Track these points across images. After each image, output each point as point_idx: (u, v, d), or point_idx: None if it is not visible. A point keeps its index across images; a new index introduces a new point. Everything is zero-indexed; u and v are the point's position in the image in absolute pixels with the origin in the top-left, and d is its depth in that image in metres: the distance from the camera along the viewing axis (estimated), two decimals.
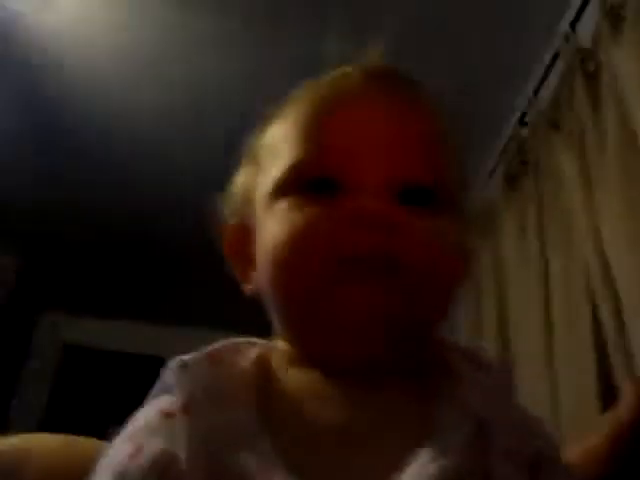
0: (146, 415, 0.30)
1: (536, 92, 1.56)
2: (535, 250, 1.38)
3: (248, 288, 0.38)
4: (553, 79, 1.45)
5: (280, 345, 0.36)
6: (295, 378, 0.32)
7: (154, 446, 0.28)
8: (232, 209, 0.41)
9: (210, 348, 0.33)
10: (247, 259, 0.37)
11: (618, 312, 1.02)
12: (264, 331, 0.38)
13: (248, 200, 0.39)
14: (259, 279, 0.35)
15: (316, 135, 0.33)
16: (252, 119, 0.42)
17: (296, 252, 0.31)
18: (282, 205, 0.33)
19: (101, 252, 3.07)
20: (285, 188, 0.33)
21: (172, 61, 1.73)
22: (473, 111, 1.84)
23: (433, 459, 0.27)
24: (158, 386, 0.32)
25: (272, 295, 0.34)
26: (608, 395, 1.01)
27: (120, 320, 3.73)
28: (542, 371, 1.23)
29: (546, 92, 1.49)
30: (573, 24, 1.34)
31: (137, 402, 0.33)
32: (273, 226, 0.33)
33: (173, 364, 0.31)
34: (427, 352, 0.34)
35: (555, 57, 1.44)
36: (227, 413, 0.29)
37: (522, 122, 1.66)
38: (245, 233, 0.38)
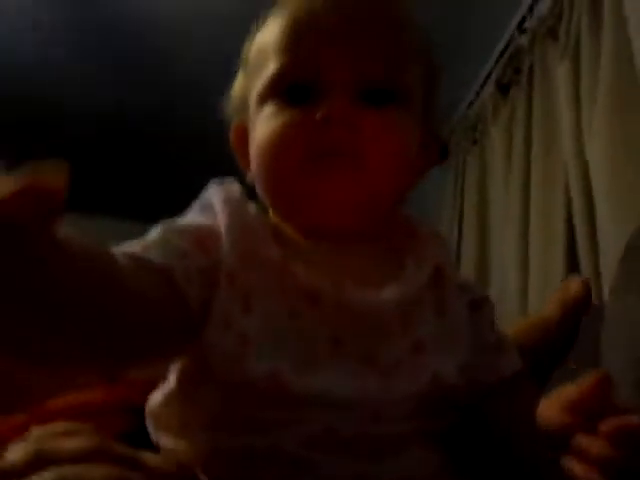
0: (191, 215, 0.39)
1: None
2: (520, 154, 1.43)
3: (249, 176, 0.45)
4: None
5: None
6: (291, 235, 0.41)
7: (199, 220, 0.37)
8: (233, 110, 0.47)
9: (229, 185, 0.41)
10: (246, 154, 0.44)
11: (591, 214, 1.10)
12: None
13: (243, 105, 0.45)
14: (253, 170, 0.42)
15: (292, 49, 0.39)
16: None
17: (276, 152, 0.39)
18: (266, 110, 0.40)
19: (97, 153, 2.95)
20: (268, 94, 0.40)
21: None
22: (473, 18, 1.80)
23: (401, 285, 0.38)
24: (196, 204, 0.40)
25: (262, 186, 0.42)
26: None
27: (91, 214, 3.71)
28: (516, 257, 1.35)
29: None
30: None
31: None
32: (260, 128, 0.40)
33: (211, 185, 0.40)
34: (396, 222, 0.44)
35: None
36: (253, 220, 0.38)
37: (521, 30, 1.64)
38: (244, 132, 0.45)
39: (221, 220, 0.36)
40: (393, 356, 0.35)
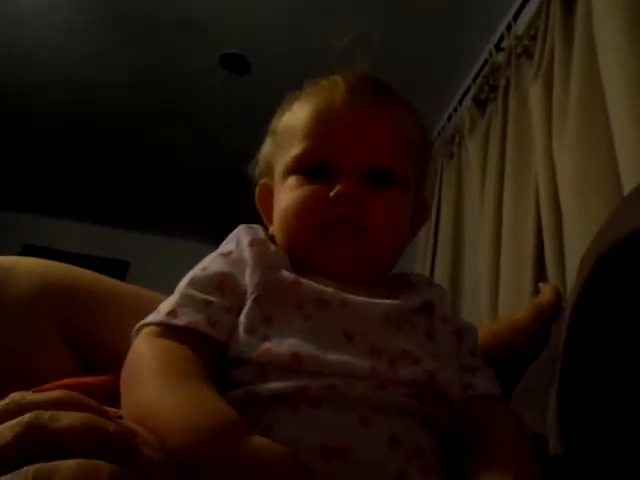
0: (210, 256, 0.47)
1: (515, 17, 1.59)
2: (495, 169, 1.48)
3: (270, 229, 0.53)
4: (533, 5, 1.48)
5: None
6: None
7: (215, 267, 0.45)
8: (260, 172, 0.57)
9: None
10: (269, 209, 0.54)
11: (559, 227, 1.14)
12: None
13: (269, 168, 0.55)
14: (275, 226, 0.51)
15: (314, 135, 0.49)
16: None
17: (297, 217, 0.48)
18: (290, 181, 0.49)
19: (67, 152, 2.98)
20: (293, 169, 0.49)
21: None
22: (454, 36, 1.86)
23: (393, 300, 0.46)
24: (222, 245, 0.48)
25: (284, 240, 0.50)
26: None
27: (80, 222, 3.72)
28: (488, 269, 1.39)
29: (525, 18, 1.53)
30: None
31: None
32: (283, 197, 0.50)
33: (240, 227, 0.49)
34: (393, 276, 0.53)
35: None
36: (273, 255, 0.47)
37: (499, 48, 1.69)
38: (268, 191, 0.55)
39: (248, 258, 0.45)
40: (395, 351, 0.42)
